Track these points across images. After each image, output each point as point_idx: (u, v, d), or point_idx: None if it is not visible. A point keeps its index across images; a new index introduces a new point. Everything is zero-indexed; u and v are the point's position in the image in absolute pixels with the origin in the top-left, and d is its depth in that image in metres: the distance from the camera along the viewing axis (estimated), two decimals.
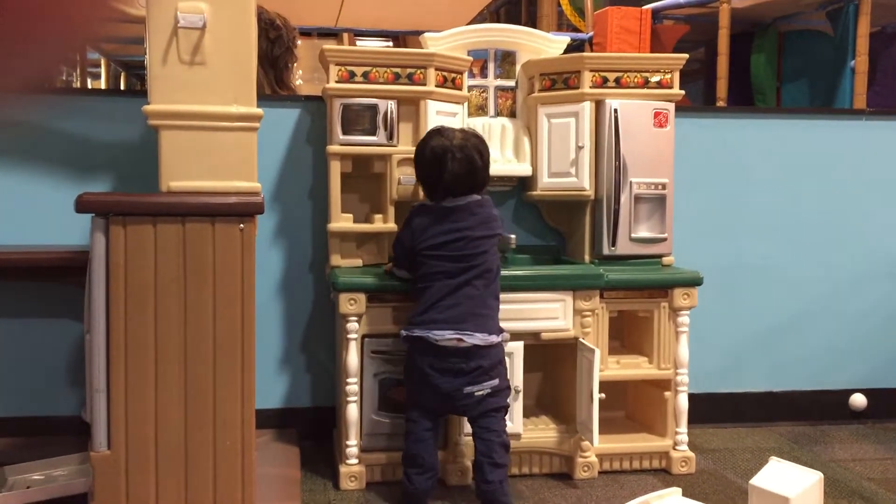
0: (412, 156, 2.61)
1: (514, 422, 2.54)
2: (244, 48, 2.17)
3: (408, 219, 2.45)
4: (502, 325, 2.49)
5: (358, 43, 6.86)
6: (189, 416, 2.01)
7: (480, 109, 2.91)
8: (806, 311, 3.26)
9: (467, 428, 2.49)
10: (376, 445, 2.54)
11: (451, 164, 2.35)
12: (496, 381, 2.31)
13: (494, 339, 2.32)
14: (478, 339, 2.28)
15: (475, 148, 2.38)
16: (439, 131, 2.43)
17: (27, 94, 0.57)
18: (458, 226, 2.35)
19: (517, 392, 2.54)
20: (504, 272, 2.55)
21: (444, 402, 2.31)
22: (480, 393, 2.28)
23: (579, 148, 2.73)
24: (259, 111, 2.19)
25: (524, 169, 2.83)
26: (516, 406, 2.54)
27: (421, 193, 2.60)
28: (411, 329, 2.33)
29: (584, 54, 2.81)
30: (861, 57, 3.69)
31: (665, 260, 2.78)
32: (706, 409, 3.13)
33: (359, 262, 2.71)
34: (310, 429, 2.93)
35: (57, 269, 2.46)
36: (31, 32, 0.53)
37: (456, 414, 2.45)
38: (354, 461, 2.52)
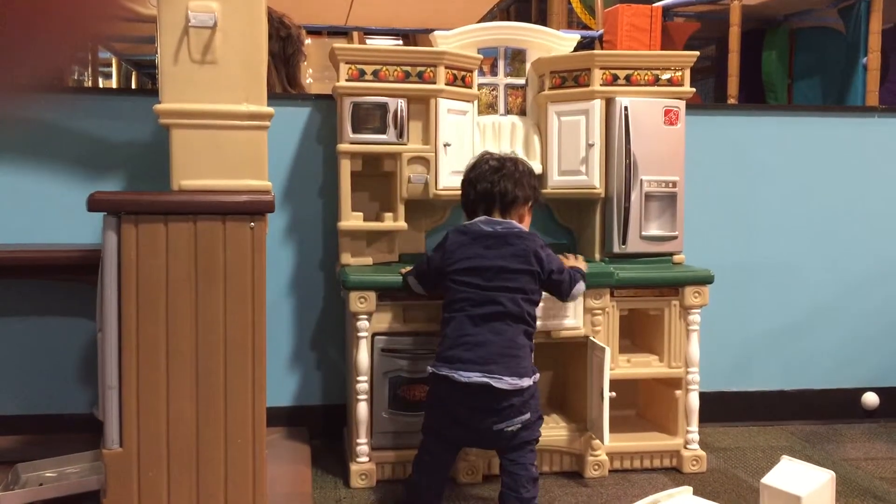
0: (422, 154, 2.63)
1: None
2: (255, 47, 2.17)
3: (443, 239, 2.38)
4: None
5: (368, 41, 6.86)
6: (200, 414, 2.01)
7: (490, 107, 2.91)
8: (817, 309, 3.24)
9: None
10: (387, 444, 2.54)
11: (482, 166, 2.36)
12: (527, 416, 2.18)
13: (526, 382, 2.17)
14: (507, 383, 2.13)
15: (509, 167, 2.35)
16: (490, 153, 2.44)
17: (36, 92, 0.57)
18: (490, 253, 2.25)
19: None
20: None
21: (469, 437, 2.22)
22: (511, 429, 2.16)
23: (589, 146, 2.72)
24: (270, 110, 2.20)
25: (534, 167, 2.82)
26: None
27: (431, 192, 2.65)
28: (438, 367, 2.20)
29: (595, 52, 2.81)
30: (873, 54, 3.68)
31: (676, 258, 2.77)
32: (717, 407, 3.12)
33: (369, 260, 2.71)
34: (320, 427, 2.94)
35: (69, 268, 2.47)
36: (41, 30, 0.53)
37: (483, 448, 2.40)
38: (365, 459, 2.52)
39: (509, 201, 2.33)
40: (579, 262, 2.51)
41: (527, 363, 2.22)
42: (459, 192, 2.44)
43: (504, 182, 2.33)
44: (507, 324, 2.20)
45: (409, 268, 2.53)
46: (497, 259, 2.24)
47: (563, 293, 2.36)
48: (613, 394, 2.50)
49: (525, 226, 2.37)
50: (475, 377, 2.13)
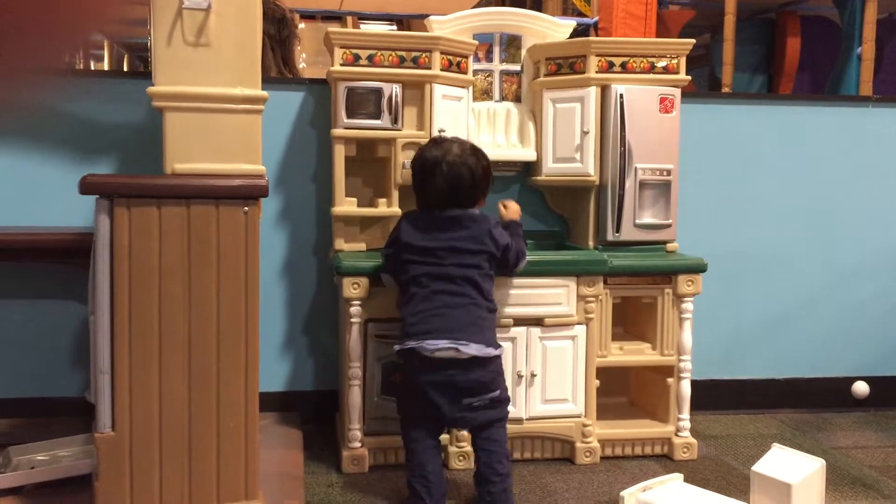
0: (417, 140, 2.62)
1: (517, 406, 2.55)
2: (249, 30, 2.16)
3: (398, 222, 2.40)
4: (507, 310, 2.49)
5: (362, 26, 6.82)
6: (193, 398, 2.01)
7: (485, 94, 2.90)
8: (809, 299, 3.25)
9: None
10: (379, 429, 2.55)
11: (438, 177, 2.29)
12: (497, 393, 2.22)
13: (492, 352, 2.21)
14: (474, 349, 2.16)
15: (465, 164, 2.29)
16: (439, 141, 2.37)
17: (43, 77, 0.57)
18: (445, 235, 2.27)
19: (533, 377, 2.56)
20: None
21: (443, 417, 2.21)
22: (478, 404, 2.18)
23: (584, 133, 2.72)
24: (264, 94, 2.18)
25: (529, 154, 2.82)
26: (518, 390, 2.55)
27: None
28: (404, 342, 2.22)
29: (591, 38, 2.80)
30: (867, 44, 3.67)
31: (669, 246, 2.78)
32: (709, 395, 3.13)
33: (362, 246, 2.71)
34: (312, 412, 2.94)
35: (61, 251, 2.46)
36: (49, 15, 0.52)
37: (455, 428, 2.40)
38: (357, 444, 2.52)
39: (469, 203, 2.32)
40: (512, 209, 2.51)
41: (491, 335, 2.25)
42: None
43: (462, 192, 2.30)
44: (467, 298, 2.23)
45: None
46: (452, 241, 2.27)
47: (510, 269, 2.41)
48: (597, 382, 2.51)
49: (480, 206, 2.37)
50: (442, 344, 2.15)
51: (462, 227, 2.29)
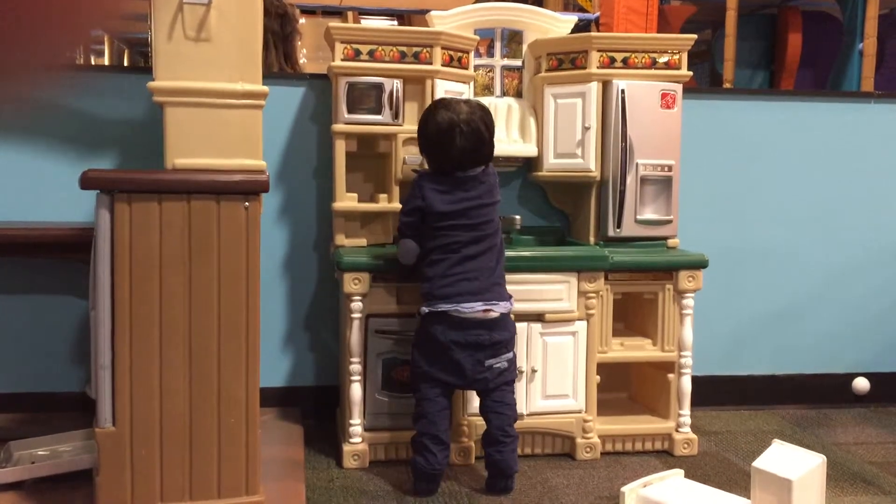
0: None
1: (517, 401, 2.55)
2: (250, 25, 2.16)
3: (417, 186, 2.35)
4: None
5: (363, 21, 6.81)
6: (193, 394, 2.01)
7: (487, 89, 2.90)
8: (810, 295, 3.25)
9: (470, 408, 2.50)
10: (379, 425, 2.55)
11: (459, 139, 2.29)
12: (511, 354, 2.34)
13: (510, 305, 2.34)
14: (502, 307, 2.30)
15: (482, 121, 2.32)
16: (445, 104, 2.36)
17: (44, 73, 0.57)
18: (469, 195, 2.32)
19: (534, 372, 2.56)
20: (509, 253, 2.54)
21: (462, 378, 2.29)
22: (499, 366, 2.30)
23: (586, 129, 2.71)
24: (264, 89, 2.18)
25: (530, 149, 2.82)
26: (519, 386, 2.55)
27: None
28: (435, 304, 2.28)
29: (592, 34, 2.79)
30: (869, 39, 3.66)
31: (670, 242, 2.78)
32: (709, 391, 3.13)
33: (363, 241, 2.70)
34: (313, 407, 2.94)
35: (62, 246, 2.46)
36: (50, 11, 0.52)
37: (471, 389, 2.42)
38: (357, 440, 2.52)
39: (488, 158, 2.38)
40: None
41: (507, 291, 2.37)
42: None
43: (484, 149, 2.34)
44: (491, 259, 2.33)
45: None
46: (476, 199, 2.33)
47: None
48: (598, 378, 2.52)
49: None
50: (477, 307, 2.25)
51: (481, 183, 2.35)
